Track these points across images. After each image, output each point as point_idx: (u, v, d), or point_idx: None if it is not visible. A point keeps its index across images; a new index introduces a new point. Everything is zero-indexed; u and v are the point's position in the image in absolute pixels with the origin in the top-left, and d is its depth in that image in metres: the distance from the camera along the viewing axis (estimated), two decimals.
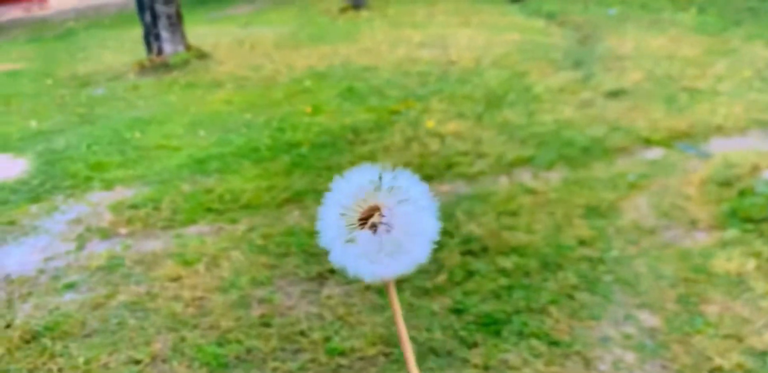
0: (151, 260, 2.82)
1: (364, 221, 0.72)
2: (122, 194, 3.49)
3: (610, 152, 3.76)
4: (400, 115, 4.58)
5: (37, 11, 12.48)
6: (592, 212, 3.03)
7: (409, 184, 0.72)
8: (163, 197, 3.36)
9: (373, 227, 0.71)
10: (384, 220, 0.71)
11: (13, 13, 12.21)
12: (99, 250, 2.95)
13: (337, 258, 0.72)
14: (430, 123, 4.37)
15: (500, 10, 9.36)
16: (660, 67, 5.65)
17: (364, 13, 9.17)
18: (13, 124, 4.88)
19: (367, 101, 4.91)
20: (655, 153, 3.73)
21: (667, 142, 3.88)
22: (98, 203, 3.41)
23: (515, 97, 4.92)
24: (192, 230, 3.06)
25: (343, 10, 9.36)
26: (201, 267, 2.73)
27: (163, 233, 3.05)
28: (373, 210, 0.72)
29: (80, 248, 2.98)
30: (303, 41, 7.44)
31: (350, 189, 0.72)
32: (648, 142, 3.88)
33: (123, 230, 3.09)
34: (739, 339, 2.04)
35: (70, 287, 2.67)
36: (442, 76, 5.63)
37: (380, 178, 0.72)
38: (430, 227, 0.72)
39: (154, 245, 2.95)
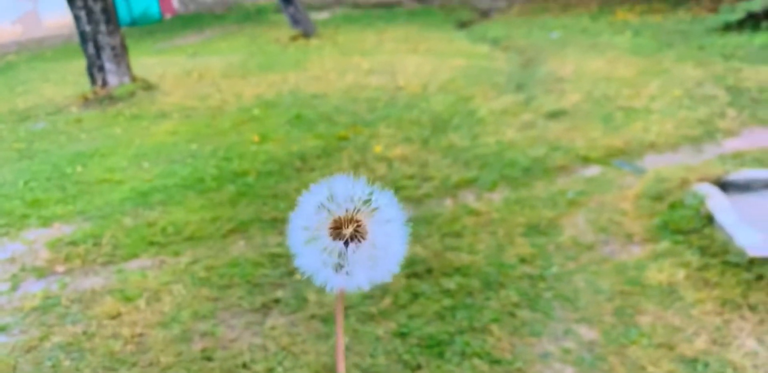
0: (89, 297, 2.74)
1: (335, 230, 0.72)
2: (61, 230, 3.39)
3: (550, 171, 3.87)
4: (348, 141, 4.62)
5: None
6: (533, 230, 3.09)
7: (387, 202, 0.74)
8: (103, 232, 3.28)
9: (349, 239, 0.72)
10: (363, 236, 0.72)
11: None
12: (34, 290, 2.85)
13: (304, 265, 0.72)
14: (377, 148, 4.42)
15: (447, 37, 9.61)
16: (598, 88, 5.88)
17: (314, 42, 9.28)
18: None
19: (316, 128, 4.95)
20: (593, 171, 3.85)
21: (604, 159, 4.02)
22: (35, 240, 3.31)
23: (460, 121, 5.03)
24: (133, 264, 3.00)
25: (293, 39, 9.45)
26: (142, 302, 2.66)
27: (103, 269, 2.98)
28: (347, 221, 0.72)
29: (14, 288, 2.87)
30: (252, 70, 7.46)
31: (325, 196, 0.72)
32: (586, 161, 4.01)
33: (60, 268, 3.00)
34: (671, 347, 2.10)
35: (2, 329, 2.56)
36: (390, 101, 5.72)
37: (356, 191, 0.73)
38: (400, 246, 0.74)
39: (93, 281, 2.87)
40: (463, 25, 10.87)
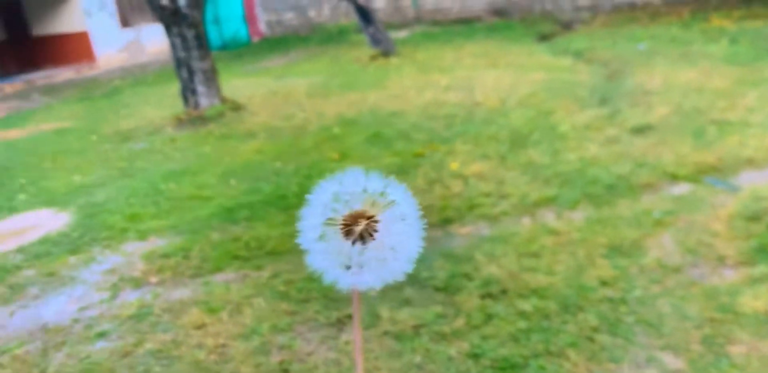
0: (178, 308, 2.90)
1: (347, 226, 0.69)
2: (155, 243, 3.62)
3: (635, 189, 3.72)
4: (425, 158, 4.65)
5: (87, 72, 13.31)
6: (615, 251, 2.98)
7: (402, 198, 0.69)
8: (193, 246, 3.47)
9: (360, 236, 0.69)
10: (375, 232, 0.68)
11: (66, 74, 13.05)
12: (130, 299, 3.05)
13: (315, 262, 0.69)
14: (453, 165, 4.42)
15: (528, 50, 9.49)
16: (688, 101, 5.60)
17: (393, 60, 9.44)
18: (58, 179, 5.16)
19: (393, 146, 5.02)
20: (682, 188, 3.67)
21: (694, 177, 3.81)
22: (132, 252, 3.55)
23: (540, 137, 4.94)
24: (219, 277, 3.15)
25: (373, 58, 9.66)
26: (225, 314, 2.79)
27: (191, 281, 3.15)
28: (359, 217, 0.69)
29: (113, 297, 3.09)
30: (334, 90, 7.69)
31: (337, 192, 0.69)
32: (674, 178, 3.83)
33: (154, 279, 3.20)
34: None
35: (102, 335, 2.77)
36: (468, 117, 5.71)
37: (370, 185, 0.69)
38: (415, 246, 0.70)
39: (182, 293, 3.04)
40: (544, 38, 10.70)
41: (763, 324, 2.25)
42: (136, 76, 11.63)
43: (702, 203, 3.41)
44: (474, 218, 3.56)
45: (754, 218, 3.04)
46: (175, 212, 4.05)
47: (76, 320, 2.92)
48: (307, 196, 0.71)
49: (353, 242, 0.69)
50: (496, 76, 7.42)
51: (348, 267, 0.69)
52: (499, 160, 4.47)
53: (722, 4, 10.94)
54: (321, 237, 0.69)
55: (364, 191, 0.69)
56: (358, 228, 0.68)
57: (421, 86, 7.26)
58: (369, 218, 0.69)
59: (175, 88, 7.16)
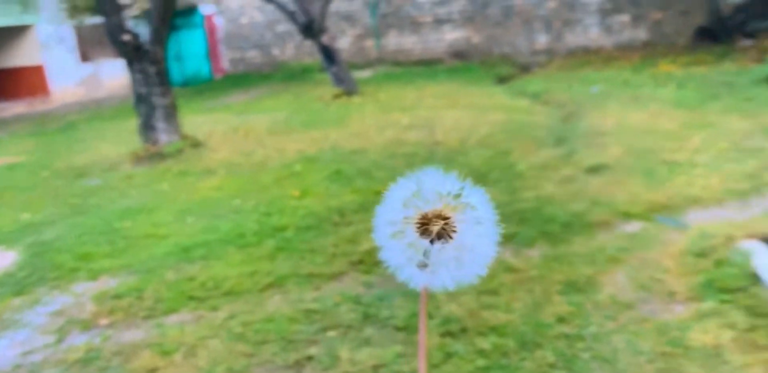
0: (129, 351, 2.79)
1: (422, 225, 0.69)
2: (107, 283, 3.51)
3: (590, 227, 3.81)
4: None
5: (40, 106, 13.08)
6: (571, 287, 3.03)
7: (478, 201, 0.70)
8: (146, 286, 3.38)
9: (438, 236, 0.69)
10: (453, 233, 0.68)
11: (17, 108, 12.79)
12: (78, 342, 2.93)
13: (389, 259, 0.69)
14: None
15: (487, 92, 9.77)
16: (640, 142, 5.82)
17: (356, 99, 9.58)
18: (5, 216, 4.99)
19: (354, 183, 5.04)
20: (635, 226, 3.77)
21: (646, 215, 3.93)
22: (82, 293, 3.42)
23: (499, 175, 5.04)
24: (173, 318, 3.06)
25: (336, 96, 9.78)
26: (178, 357, 2.70)
27: (143, 322, 3.05)
28: (436, 217, 0.69)
29: (59, 340, 2.96)
30: (295, 127, 7.73)
31: (415, 191, 0.69)
32: (627, 216, 3.93)
33: (104, 321, 3.09)
34: None
35: None
36: (428, 156, 5.80)
37: (448, 186, 0.69)
38: (490, 250, 0.70)
39: (133, 335, 2.93)
40: (502, 80, 11.05)
41: (711, 357, 2.30)
42: (93, 111, 11.48)
43: (653, 241, 3.51)
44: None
45: (701, 254, 3.14)
46: (130, 250, 3.95)
47: (18, 366, 2.78)
48: (385, 192, 0.70)
49: (431, 241, 0.68)
50: (456, 117, 7.60)
51: (424, 265, 0.68)
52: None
53: (669, 50, 11.53)
54: (397, 234, 0.69)
55: (441, 191, 0.69)
56: (435, 227, 0.68)
57: (382, 125, 7.37)
58: (445, 218, 0.68)
59: (133, 123, 7.09)
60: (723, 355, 2.29)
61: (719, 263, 2.98)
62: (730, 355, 2.28)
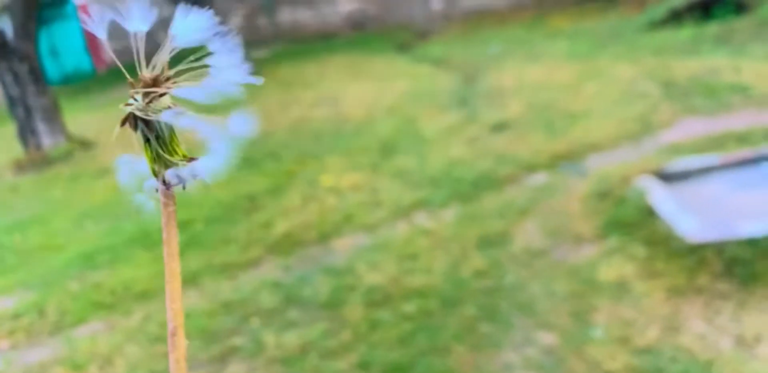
0: (37, 371, 2.63)
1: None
2: (2, 304, 3.27)
3: (498, 183, 3.91)
4: (297, 175, 4.61)
5: None
6: (486, 242, 3.11)
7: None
8: (47, 301, 3.17)
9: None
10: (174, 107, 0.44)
11: None
12: None
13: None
14: (327, 180, 4.41)
15: (388, 61, 9.76)
16: (538, 97, 6.02)
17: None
18: None
19: (263, 166, 4.92)
20: (540, 178, 3.91)
21: (549, 165, 4.08)
22: None
23: (407, 143, 5.07)
24: (82, 330, 2.89)
25: None
26: (93, 369, 2.57)
27: (50, 338, 2.87)
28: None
29: None
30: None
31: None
32: (532, 168, 4.07)
33: (4, 344, 2.88)
34: (626, 340, 2.12)
35: None
36: (336, 132, 5.75)
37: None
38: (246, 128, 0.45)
39: (40, 353, 2.76)
40: (402, 48, 11.06)
41: (617, 289, 2.44)
42: None
43: (558, 189, 3.65)
44: (352, 229, 3.56)
45: (602, 195, 3.30)
46: (23, 266, 3.69)
47: None
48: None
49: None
50: (361, 89, 7.56)
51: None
52: (371, 169, 4.53)
53: (557, 5, 11.92)
54: None
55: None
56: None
57: (285, 104, 7.22)
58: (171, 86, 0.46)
59: (9, 129, 6.56)
60: (627, 285, 2.43)
61: (619, 202, 3.14)
62: (633, 284, 2.42)
